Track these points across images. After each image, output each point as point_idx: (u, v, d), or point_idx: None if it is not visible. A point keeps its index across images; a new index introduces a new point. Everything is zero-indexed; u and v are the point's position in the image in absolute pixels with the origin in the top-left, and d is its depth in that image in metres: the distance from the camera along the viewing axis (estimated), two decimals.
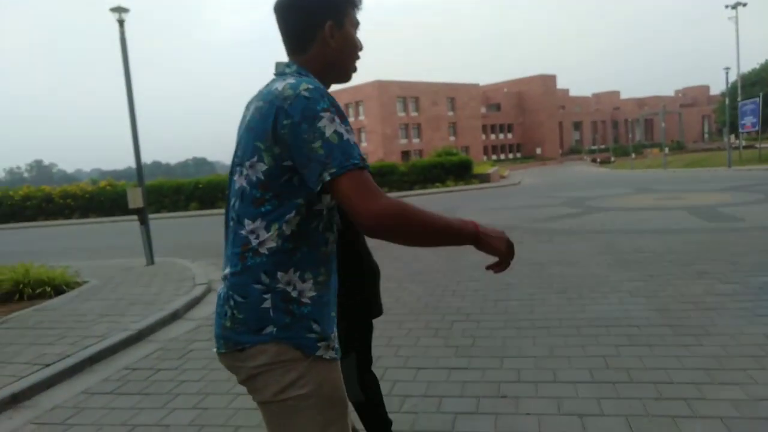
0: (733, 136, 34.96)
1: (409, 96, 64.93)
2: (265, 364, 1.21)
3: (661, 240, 7.33)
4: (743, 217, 8.96)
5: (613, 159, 54.30)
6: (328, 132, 1.14)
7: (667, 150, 38.71)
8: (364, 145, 65.07)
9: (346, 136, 1.15)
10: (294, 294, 1.22)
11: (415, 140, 66.36)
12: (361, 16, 1.36)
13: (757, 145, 34.50)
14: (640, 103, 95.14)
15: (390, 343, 3.99)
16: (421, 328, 4.31)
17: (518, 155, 75.44)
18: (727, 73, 34.38)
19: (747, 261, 5.67)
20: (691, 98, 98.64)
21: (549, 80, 77.76)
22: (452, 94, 69.00)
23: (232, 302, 1.23)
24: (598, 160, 57.00)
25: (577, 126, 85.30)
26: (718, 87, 66.50)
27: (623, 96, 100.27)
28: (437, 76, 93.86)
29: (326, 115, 1.15)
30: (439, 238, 1.23)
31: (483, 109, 76.62)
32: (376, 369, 3.48)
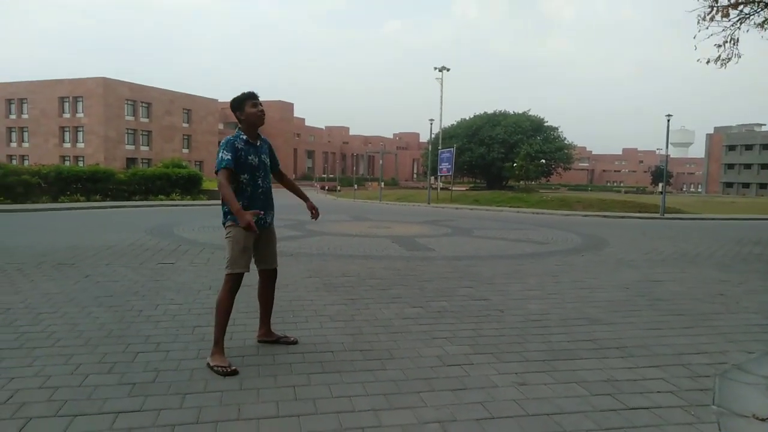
0: (433, 178, 40.92)
1: (140, 100, 59.54)
2: None
3: (367, 265, 7.84)
4: (434, 247, 10.26)
5: (339, 188, 58.39)
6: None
7: (383, 185, 43.28)
8: (80, 146, 56.98)
9: (219, 156, 3.56)
10: None
11: (144, 148, 60.90)
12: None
13: (450, 187, 41.07)
14: (366, 140, 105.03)
15: (46, 384, 3.22)
16: (93, 363, 3.60)
17: None
18: (431, 124, 40.30)
19: (431, 287, 6.36)
20: (406, 142, 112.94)
21: (287, 107, 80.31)
22: (189, 106, 65.74)
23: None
24: (327, 188, 60.64)
25: (310, 154, 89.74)
26: (426, 136, 77.72)
27: (352, 132, 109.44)
28: (174, 87, 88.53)
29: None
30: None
31: (221, 126, 74.83)
32: (17, 420, 2.72)
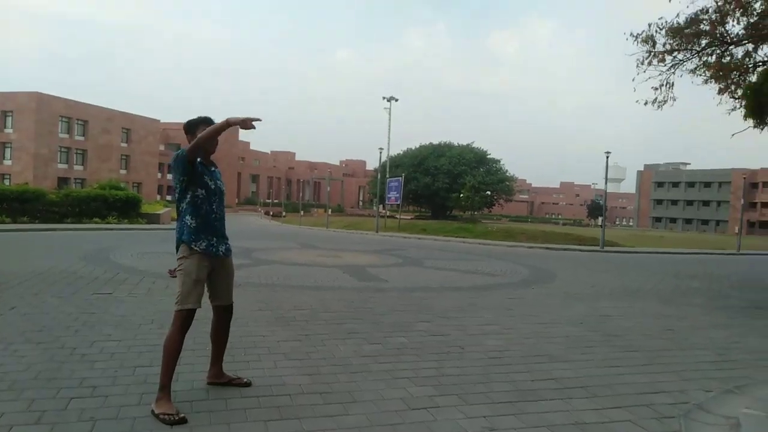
0: (381, 206, 41.02)
1: (75, 117, 56.97)
2: None
3: (319, 297, 7.58)
4: (386, 278, 10.11)
5: (284, 214, 57.57)
6: None
7: (330, 211, 42.99)
8: (8, 163, 53.68)
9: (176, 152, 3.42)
10: None
11: (78, 167, 58.09)
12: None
13: (398, 216, 41.27)
14: (312, 166, 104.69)
15: None
16: (19, 411, 3.20)
17: None
18: (380, 153, 40.57)
19: (388, 321, 6.19)
20: (352, 169, 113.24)
21: (231, 130, 78.81)
22: (128, 125, 63.50)
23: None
24: (271, 213, 59.69)
25: (255, 178, 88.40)
26: (372, 164, 78.39)
27: (298, 157, 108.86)
28: (114, 105, 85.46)
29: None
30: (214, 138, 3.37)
31: (162, 147, 72.69)
32: None
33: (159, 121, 68.66)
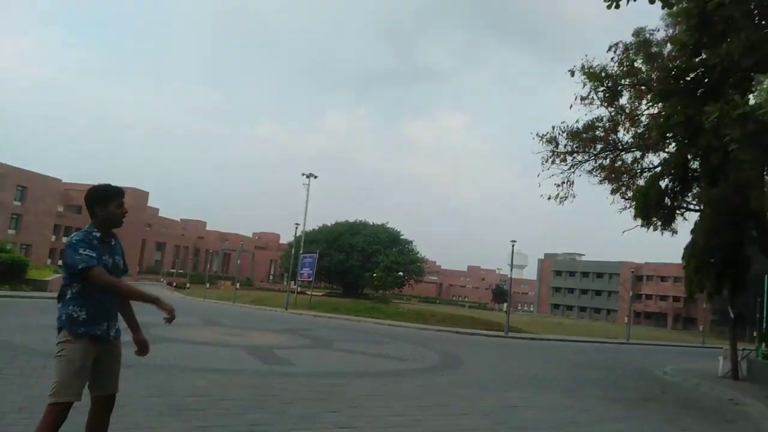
0: (293, 282, 40.19)
1: None
2: None
3: (219, 381, 7.07)
4: (294, 361, 9.67)
5: (188, 285, 54.83)
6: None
7: (238, 285, 41.45)
8: None
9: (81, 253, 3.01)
10: None
11: None
12: None
13: (309, 292, 40.51)
14: (223, 237, 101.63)
15: None
16: None
17: None
18: (296, 228, 40.22)
19: (293, 411, 5.82)
20: (265, 242, 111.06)
21: (141, 195, 75.67)
22: (24, 182, 59.14)
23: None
24: (174, 284, 56.66)
25: (161, 246, 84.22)
26: (286, 237, 77.43)
27: (209, 227, 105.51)
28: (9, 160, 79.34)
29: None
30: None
31: (61, 208, 68.02)
32: None
33: (60, 180, 64.64)
